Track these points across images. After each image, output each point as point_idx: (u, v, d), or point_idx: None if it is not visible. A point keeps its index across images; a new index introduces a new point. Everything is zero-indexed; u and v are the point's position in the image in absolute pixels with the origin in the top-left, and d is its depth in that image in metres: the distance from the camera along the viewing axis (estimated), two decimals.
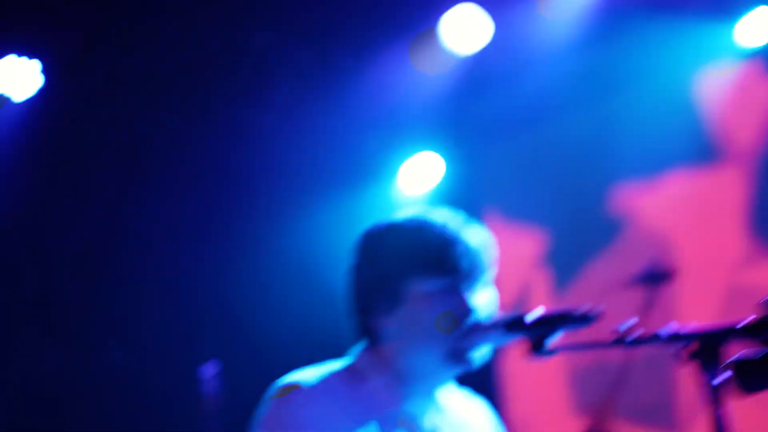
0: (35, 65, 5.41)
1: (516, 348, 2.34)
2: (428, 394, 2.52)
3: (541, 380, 6.38)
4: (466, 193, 6.22)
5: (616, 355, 5.48)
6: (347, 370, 2.52)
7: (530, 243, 6.19)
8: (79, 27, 5.43)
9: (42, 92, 5.48)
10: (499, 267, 2.54)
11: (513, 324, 2.32)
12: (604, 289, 5.52)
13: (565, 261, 6.08)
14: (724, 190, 5.55)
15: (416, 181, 6.37)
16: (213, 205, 5.98)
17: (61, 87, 5.50)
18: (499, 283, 2.54)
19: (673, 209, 5.71)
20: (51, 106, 5.53)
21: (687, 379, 1.90)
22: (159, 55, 5.66)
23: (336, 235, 4.51)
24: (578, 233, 6.02)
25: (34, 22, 5.33)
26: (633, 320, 2.10)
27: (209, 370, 4.73)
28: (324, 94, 6.12)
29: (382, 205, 5.95)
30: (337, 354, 2.60)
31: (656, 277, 5.41)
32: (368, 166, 6.29)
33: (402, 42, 5.90)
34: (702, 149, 5.64)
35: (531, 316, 2.29)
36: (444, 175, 6.39)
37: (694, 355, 1.91)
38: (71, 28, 5.44)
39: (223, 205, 6.01)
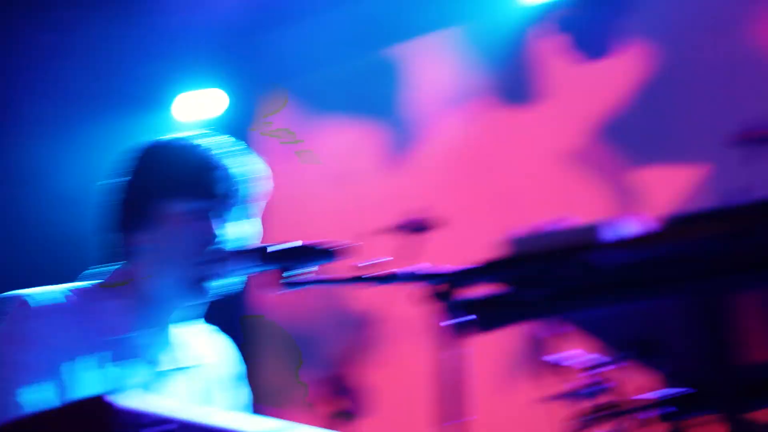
0: None
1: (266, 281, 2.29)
2: (166, 324, 2.45)
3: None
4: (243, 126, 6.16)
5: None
6: (86, 290, 2.42)
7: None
8: None
9: None
10: None
11: (255, 255, 2.29)
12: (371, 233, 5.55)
13: None
14: None
15: (195, 111, 6.27)
16: None
17: None
18: None
19: None
20: None
21: None
22: None
23: (104, 159, 4.36)
24: None
25: None
26: (381, 259, 2.08)
27: None
28: (107, 15, 5.89)
29: (156, 132, 5.80)
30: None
31: (419, 227, 5.48)
32: (146, 92, 6.12)
33: None
34: None
35: (273, 247, 2.26)
36: (224, 108, 6.32)
37: (434, 296, 1.89)
38: None
39: None
